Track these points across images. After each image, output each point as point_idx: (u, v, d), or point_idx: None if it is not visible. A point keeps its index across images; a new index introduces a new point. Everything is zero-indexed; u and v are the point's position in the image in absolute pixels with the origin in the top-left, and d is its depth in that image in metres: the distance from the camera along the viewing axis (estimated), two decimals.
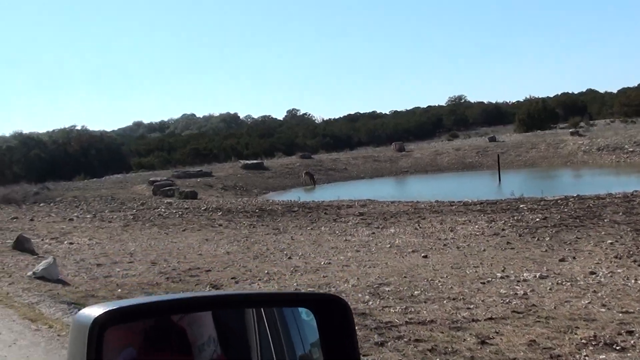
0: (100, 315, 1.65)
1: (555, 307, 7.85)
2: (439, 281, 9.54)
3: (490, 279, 9.50)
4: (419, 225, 15.85)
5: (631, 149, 37.21)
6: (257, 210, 21.00)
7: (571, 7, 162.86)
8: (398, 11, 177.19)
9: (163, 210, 22.36)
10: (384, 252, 12.40)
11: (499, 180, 33.50)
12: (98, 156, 50.71)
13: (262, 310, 2.09)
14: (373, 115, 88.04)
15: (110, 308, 1.70)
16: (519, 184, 30.10)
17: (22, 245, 13.96)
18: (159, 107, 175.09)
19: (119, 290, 9.69)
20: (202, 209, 22.14)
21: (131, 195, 29.42)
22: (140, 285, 10.07)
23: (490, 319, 7.43)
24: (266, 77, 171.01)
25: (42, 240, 15.89)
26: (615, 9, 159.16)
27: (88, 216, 21.17)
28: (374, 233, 15.03)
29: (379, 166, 43.23)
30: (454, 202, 20.59)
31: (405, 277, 9.91)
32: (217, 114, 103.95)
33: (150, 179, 33.44)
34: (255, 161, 42.50)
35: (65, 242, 15.65)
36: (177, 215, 20.49)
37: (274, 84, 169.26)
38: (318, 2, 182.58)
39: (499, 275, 9.76)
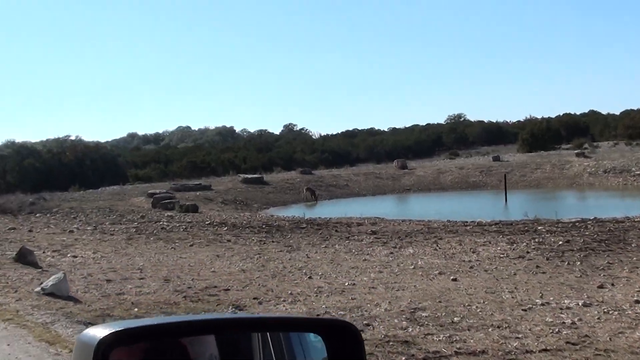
0: (106, 336, 1.68)
1: (610, 339, 7.40)
2: (477, 307, 9.08)
3: (530, 306, 9.05)
4: (437, 246, 15.42)
5: (638, 172, 36.93)
6: (263, 226, 20.55)
7: (572, 27, 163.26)
8: (396, 28, 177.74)
9: (165, 223, 21.86)
10: (408, 273, 11.95)
11: (506, 200, 33.16)
12: (93, 167, 50.06)
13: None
14: (371, 132, 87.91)
15: (116, 329, 1.72)
16: (526, 205, 29.67)
17: (24, 257, 13.42)
18: (153, 119, 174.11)
19: (136, 309, 9.18)
20: (207, 223, 21.66)
21: (130, 208, 28.95)
22: (157, 304, 9.56)
23: (545, 350, 6.98)
24: (262, 91, 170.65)
25: (44, 252, 15.34)
26: (617, 30, 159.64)
27: (89, 228, 20.63)
28: (392, 253, 14.59)
29: (380, 183, 42.87)
30: (467, 222, 20.21)
31: (439, 301, 9.45)
32: (212, 126, 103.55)
33: (149, 192, 33.06)
34: (255, 175, 42.08)
35: (69, 255, 15.12)
36: (182, 229, 20.01)
37: (270, 98, 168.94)
38: (315, 17, 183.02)
39: (538, 301, 9.31)
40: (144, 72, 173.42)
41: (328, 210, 30.13)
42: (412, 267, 12.62)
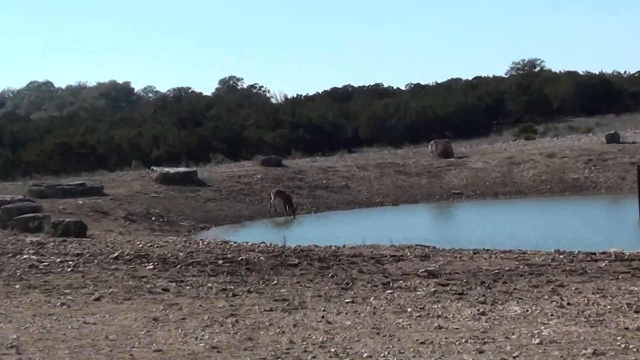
0: None
1: None
2: None
3: None
4: (562, 300, 14.83)
5: None
6: (221, 262, 19.99)
7: None
8: None
9: (34, 257, 21.25)
10: (535, 354, 11.21)
11: None
12: None
13: None
14: (376, 91, 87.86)
15: None
16: None
17: None
18: None
19: None
20: (112, 256, 21.09)
21: None
22: None
23: None
24: (178, 22, 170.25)
25: None
26: None
27: None
28: (483, 313, 13.92)
29: (407, 183, 42.82)
30: (594, 253, 19.99)
31: None
32: (93, 83, 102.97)
33: None
34: (180, 169, 42.07)
35: None
36: (69, 269, 19.41)
37: (193, 35, 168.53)
38: None
39: None
40: None
41: (322, 231, 30.19)
42: (537, 341, 11.91)
